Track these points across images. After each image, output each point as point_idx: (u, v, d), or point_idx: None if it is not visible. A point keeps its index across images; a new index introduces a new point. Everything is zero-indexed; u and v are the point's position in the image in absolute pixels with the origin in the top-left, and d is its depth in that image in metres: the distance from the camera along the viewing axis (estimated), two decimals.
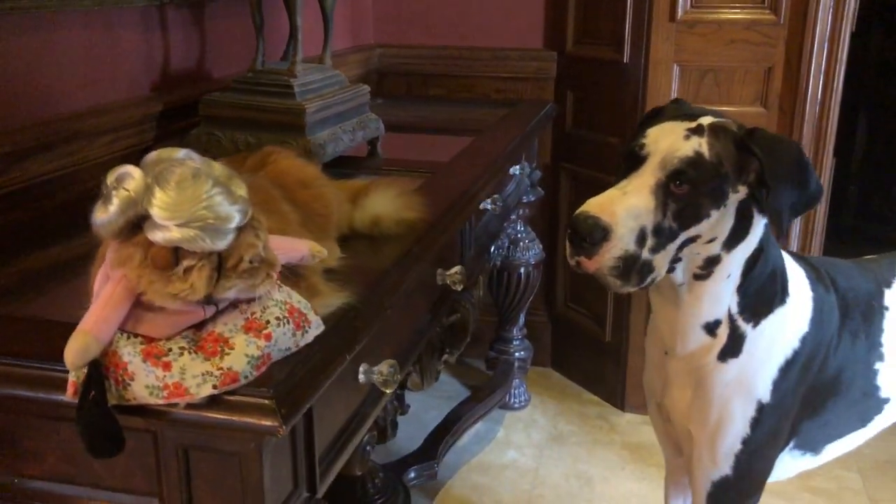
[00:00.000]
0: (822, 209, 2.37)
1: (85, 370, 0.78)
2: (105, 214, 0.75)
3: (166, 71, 1.70)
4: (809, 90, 2.21)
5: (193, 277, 0.76)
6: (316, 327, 0.86)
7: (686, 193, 1.15)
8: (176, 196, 0.74)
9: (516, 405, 2.68)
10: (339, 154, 1.65)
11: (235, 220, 0.76)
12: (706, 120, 1.20)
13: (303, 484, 0.95)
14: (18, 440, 0.93)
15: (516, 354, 2.65)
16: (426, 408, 2.64)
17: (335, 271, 1.07)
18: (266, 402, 0.78)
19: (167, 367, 0.78)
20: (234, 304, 0.82)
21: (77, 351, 0.77)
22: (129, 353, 0.79)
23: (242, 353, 0.79)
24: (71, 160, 1.41)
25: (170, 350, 0.79)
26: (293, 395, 0.80)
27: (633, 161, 1.19)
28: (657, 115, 1.28)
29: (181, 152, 0.79)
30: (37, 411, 0.90)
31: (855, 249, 1.70)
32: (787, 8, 2.20)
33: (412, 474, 2.02)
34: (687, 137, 1.17)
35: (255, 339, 0.80)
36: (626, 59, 2.39)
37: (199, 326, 0.81)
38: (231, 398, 0.78)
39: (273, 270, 0.81)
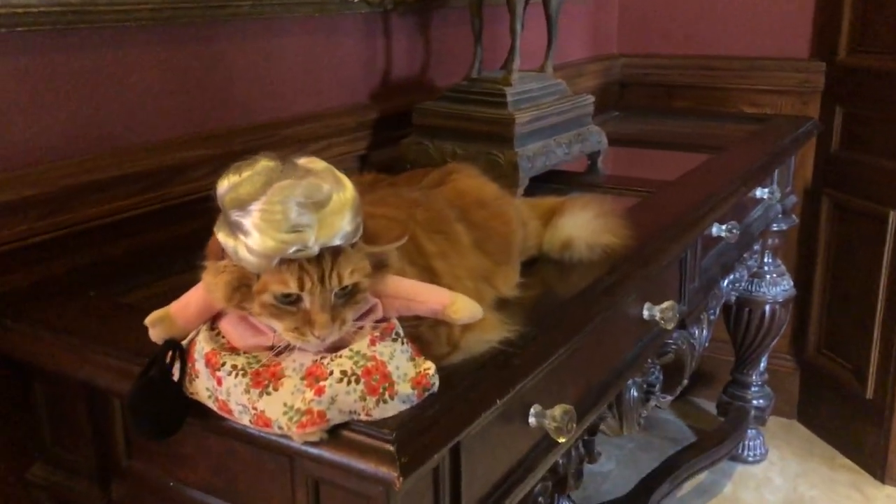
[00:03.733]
0: None
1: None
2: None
3: (387, 79, 1.69)
4: None
5: (220, 278, 0.70)
6: (402, 401, 0.70)
7: None
8: (240, 196, 0.67)
9: (750, 458, 2.38)
10: (552, 167, 1.53)
11: (273, 250, 0.66)
12: None
13: None
14: (177, 445, 0.92)
15: (753, 402, 2.35)
16: (646, 448, 2.44)
17: (510, 300, 0.96)
18: (386, 446, 0.68)
19: (219, 382, 0.72)
20: None
21: (149, 321, 0.76)
22: (199, 352, 0.74)
23: (281, 401, 0.69)
24: None
25: (223, 365, 0.72)
26: (420, 441, 0.70)
27: None
28: None
29: (312, 166, 0.71)
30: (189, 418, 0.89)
31: None
32: None
33: None
34: None
35: (306, 388, 0.69)
36: None
37: (280, 353, 0.72)
38: (349, 434, 0.70)
39: (312, 330, 0.69)
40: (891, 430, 2.21)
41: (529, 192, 1.44)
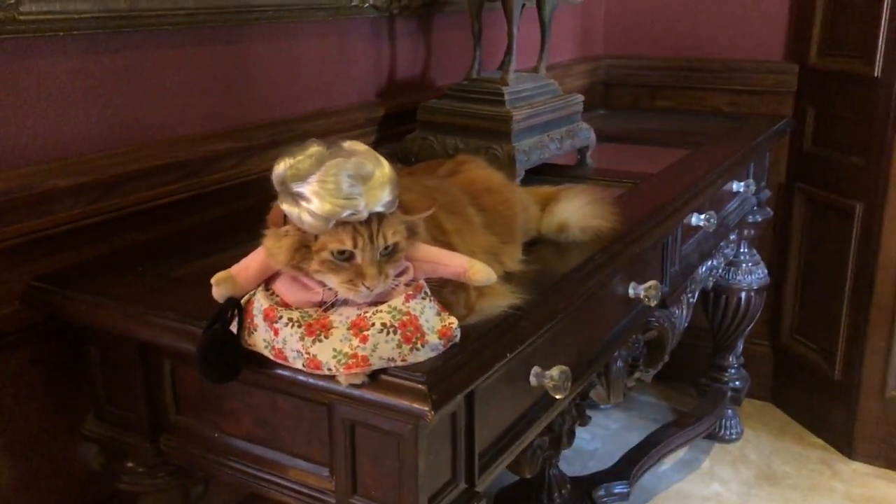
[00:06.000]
0: None
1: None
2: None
3: (392, 78, 1.82)
4: None
5: (283, 241, 0.83)
6: (431, 349, 0.84)
7: None
8: (300, 171, 0.80)
9: (727, 437, 2.53)
10: (545, 161, 1.67)
11: (331, 213, 0.79)
12: None
13: (461, 475, 0.98)
14: (222, 401, 1.05)
15: (730, 384, 2.50)
16: (629, 428, 2.58)
17: (514, 274, 1.10)
18: (419, 386, 0.81)
19: (276, 332, 0.85)
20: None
21: (214, 280, 0.88)
22: (257, 308, 0.87)
23: (331, 346, 0.82)
24: None
25: (280, 318, 0.85)
26: (447, 383, 0.83)
27: None
28: None
29: (355, 147, 0.84)
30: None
31: None
32: None
33: (601, 491, 1.98)
34: None
35: (352, 337, 0.82)
36: (877, 73, 2.18)
37: (327, 309, 0.85)
38: (387, 378, 0.83)
39: (363, 281, 0.82)
40: (857, 410, 2.37)
41: (525, 184, 1.58)
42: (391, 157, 1.54)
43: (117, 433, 1.14)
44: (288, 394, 0.98)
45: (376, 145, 1.74)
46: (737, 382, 2.52)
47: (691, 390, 2.69)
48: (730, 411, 2.53)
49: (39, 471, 1.20)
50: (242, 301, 0.90)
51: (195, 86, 1.37)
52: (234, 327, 0.89)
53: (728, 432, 2.54)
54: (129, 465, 1.15)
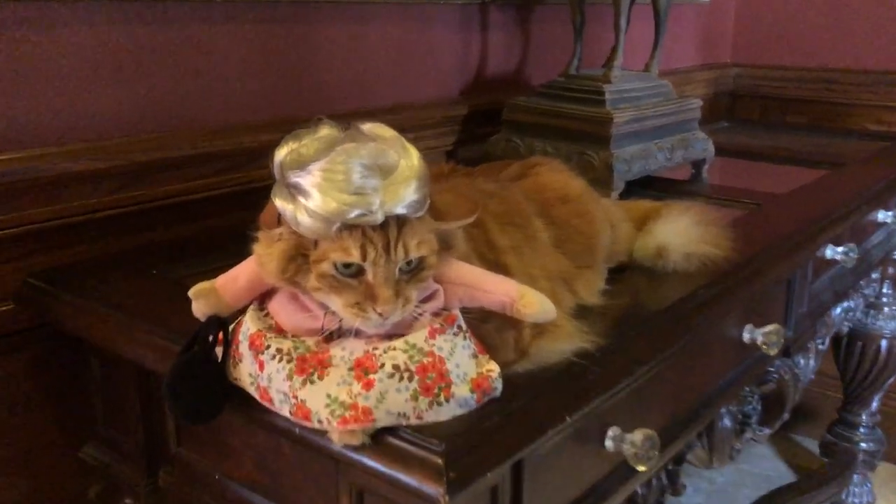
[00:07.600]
0: None
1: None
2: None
3: (480, 74, 1.62)
4: None
5: (274, 248, 0.63)
6: (459, 405, 0.63)
7: None
8: (301, 157, 0.61)
9: None
10: (650, 173, 1.42)
11: (335, 212, 0.59)
12: None
13: None
14: (224, 437, 0.87)
15: (861, 445, 2.15)
16: (738, 483, 2.27)
17: (591, 308, 0.87)
18: (433, 457, 0.60)
19: (261, 366, 0.65)
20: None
21: (192, 294, 0.70)
22: (244, 333, 0.68)
23: (325, 392, 0.61)
24: None
25: (267, 348, 0.65)
26: (475, 455, 0.61)
27: None
28: None
29: (378, 132, 0.64)
30: (236, 409, 0.83)
31: None
32: None
33: None
34: None
35: (354, 380, 0.61)
36: None
37: (329, 340, 0.65)
38: (394, 441, 0.62)
39: (374, 305, 0.61)
40: None
41: (624, 198, 1.34)
42: (464, 164, 1.34)
43: (114, 460, 0.98)
44: (292, 440, 0.78)
45: (457, 146, 1.56)
46: (870, 444, 2.16)
47: (813, 445, 2.35)
48: (858, 477, 2.18)
49: (37, 491, 1.06)
50: (232, 325, 0.71)
51: (246, 69, 1.21)
52: (219, 354, 0.70)
53: (857, 500, 2.19)
54: (126, 501, 0.99)
